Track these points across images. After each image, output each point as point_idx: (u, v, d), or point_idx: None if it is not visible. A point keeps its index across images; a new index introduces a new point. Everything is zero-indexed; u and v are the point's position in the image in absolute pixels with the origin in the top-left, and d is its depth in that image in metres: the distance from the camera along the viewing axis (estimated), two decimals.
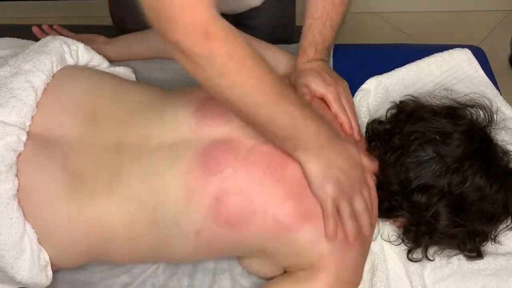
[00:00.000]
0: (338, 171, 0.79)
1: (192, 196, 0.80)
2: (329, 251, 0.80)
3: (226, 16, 1.09)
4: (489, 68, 1.18)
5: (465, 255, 0.90)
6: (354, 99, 1.08)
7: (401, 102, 0.95)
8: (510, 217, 0.90)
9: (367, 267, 0.91)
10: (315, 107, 0.88)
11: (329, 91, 0.92)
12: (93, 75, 0.94)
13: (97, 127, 0.85)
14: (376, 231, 0.94)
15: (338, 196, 0.79)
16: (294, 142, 0.78)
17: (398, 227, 0.92)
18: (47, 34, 1.18)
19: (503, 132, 0.97)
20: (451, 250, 0.90)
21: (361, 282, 0.90)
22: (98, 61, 1.01)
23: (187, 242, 0.82)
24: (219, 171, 0.80)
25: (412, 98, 0.95)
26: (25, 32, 1.16)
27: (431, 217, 0.83)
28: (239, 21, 1.19)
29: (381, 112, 1.03)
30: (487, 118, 0.91)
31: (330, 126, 0.82)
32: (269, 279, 0.89)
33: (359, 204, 0.81)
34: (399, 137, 0.88)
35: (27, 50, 0.91)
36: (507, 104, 1.09)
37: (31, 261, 0.80)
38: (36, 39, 1.15)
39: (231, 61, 0.68)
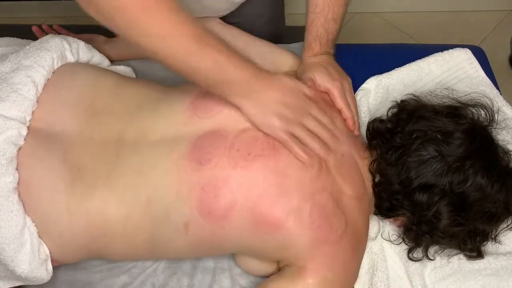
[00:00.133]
0: (275, 104, 0.81)
1: (181, 188, 0.80)
2: (311, 243, 0.80)
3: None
4: (489, 68, 1.18)
5: (466, 255, 0.90)
6: None
7: (402, 101, 0.95)
8: (511, 216, 0.90)
9: (366, 266, 0.91)
10: (319, 101, 0.90)
11: (335, 86, 0.93)
12: (93, 71, 0.95)
13: (96, 121, 0.86)
14: (376, 230, 0.94)
15: (287, 125, 0.81)
16: (225, 88, 0.80)
17: (399, 226, 0.92)
18: (47, 34, 1.18)
19: (503, 131, 0.98)
20: (451, 250, 0.90)
21: (361, 283, 0.90)
22: (98, 60, 1.02)
23: (178, 235, 0.82)
24: (207, 160, 0.80)
25: (414, 97, 0.95)
26: (25, 32, 1.17)
27: (432, 216, 0.83)
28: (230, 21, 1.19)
29: (382, 111, 1.02)
30: (488, 117, 0.91)
31: (256, 65, 0.84)
32: (266, 277, 0.89)
33: (310, 124, 0.83)
34: (400, 136, 0.88)
35: (28, 47, 0.92)
36: (507, 104, 1.09)
37: (31, 255, 0.80)
38: (36, 39, 1.15)
39: (146, 12, 0.71)
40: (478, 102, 0.92)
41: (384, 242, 0.94)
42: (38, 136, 0.83)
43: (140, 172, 0.82)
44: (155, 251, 0.87)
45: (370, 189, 0.90)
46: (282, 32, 1.29)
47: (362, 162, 0.90)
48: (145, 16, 0.71)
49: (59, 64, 0.92)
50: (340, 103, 0.92)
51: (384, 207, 0.89)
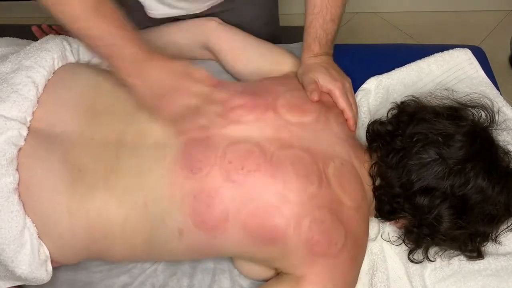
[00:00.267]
0: (164, 83, 0.82)
1: (174, 194, 0.80)
2: (309, 257, 0.80)
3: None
4: (489, 68, 1.18)
5: (466, 255, 0.90)
6: None
7: (402, 102, 0.95)
8: (511, 217, 0.90)
9: (366, 267, 0.91)
10: (325, 102, 0.90)
11: (337, 87, 0.94)
12: (93, 72, 0.95)
13: (97, 122, 0.86)
14: (376, 231, 0.94)
15: (176, 104, 0.83)
16: (115, 62, 0.82)
17: (399, 228, 0.92)
18: (46, 34, 1.18)
19: (504, 132, 0.97)
20: (452, 251, 0.90)
21: (361, 284, 0.90)
22: (98, 60, 1.01)
23: (173, 239, 0.82)
24: (199, 169, 0.80)
25: (413, 98, 0.95)
26: (25, 32, 1.17)
27: (433, 219, 0.83)
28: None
29: (382, 112, 1.02)
30: (488, 118, 0.91)
31: (148, 46, 0.84)
32: (263, 280, 0.90)
33: (198, 100, 0.84)
34: (401, 138, 0.87)
35: (28, 47, 0.92)
36: (507, 104, 1.09)
37: (31, 255, 0.80)
38: (36, 39, 1.15)
39: None
40: (478, 103, 0.92)
41: (384, 243, 0.94)
42: (38, 136, 0.83)
43: (138, 174, 0.82)
44: (153, 253, 0.87)
45: (370, 194, 0.89)
46: (279, 33, 1.29)
47: (362, 166, 0.89)
48: None
49: (60, 65, 0.92)
50: (342, 103, 0.93)
51: (385, 210, 0.89)
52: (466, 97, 0.94)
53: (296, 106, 0.88)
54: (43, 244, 0.82)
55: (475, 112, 0.90)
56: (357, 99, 1.09)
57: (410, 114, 0.90)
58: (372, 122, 0.96)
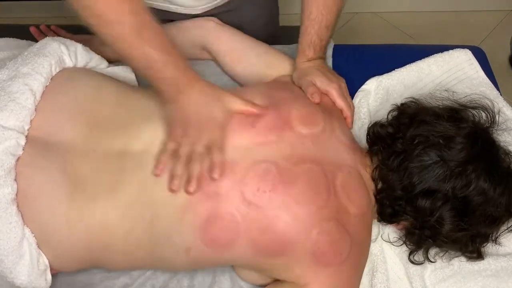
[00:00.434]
0: (189, 117, 0.82)
1: (185, 214, 0.80)
2: (314, 267, 0.81)
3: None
4: (489, 68, 1.18)
5: (466, 256, 0.90)
6: (354, 100, 1.09)
7: (402, 104, 0.95)
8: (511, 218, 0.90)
9: (366, 268, 0.91)
10: (324, 104, 0.91)
11: (333, 88, 0.95)
12: (92, 78, 0.94)
13: (99, 133, 0.85)
14: (376, 232, 0.94)
15: (181, 138, 0.81)
16: (154, 83, 0.81)
17: (400, 229, 0.92)
18: (44, 35, 1.17)
19: (505, 133, 0.97)
20: (452, 252, 0.90)
21: (361, 284, 0.90)
22: (96, 62, 1.01)
23: (179, 256, 0.82)
24: (214, 191, 0.80)
25: (413, 100, 0.95)
26: (25, 32, 1.16)
27: (435, 221, 0.83)
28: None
29: (382, 112, 1.02)
30: (489, 119, 0.90)
31: (191, 71, 0.83)
32: (262, 285, 0.90)
33: (196, 150, 0.81)
34: (402, 141, 0.87)
35: (26, 53, 0.90)
36: (507, 104, 1.09)
37: (30, 266, 0.80)
38: (35, 40, 1.15)
39: None
40: (479, 104, 0.92)
41: (384, 244, 0.94)
42: (36, 144, 0.82)
43: (145, 189, 0.81)
44: (155, 265, 0.88)
45: (373, 198, 0.89)
46: (279, 33, 1.29)
47: (365, 171, 0.90)
48: None
49: (57, 70, 0.91)
50: (340, 102, 0.95)
51: (387, 213, 0.88)
52: (466, 98, 0.94)
53: (306, 117, 0.87)
54: (42, 254, 0.82)
55: (476, 113, 0.90)
56: (357, 100, 1.09)
57: (410, 116, 0.90)
58: (372, 125, 0.95)
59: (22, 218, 0.79)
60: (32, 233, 0.80)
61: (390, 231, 0.94)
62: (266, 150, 0.83)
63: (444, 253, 0.90)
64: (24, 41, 1.13)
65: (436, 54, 1.14)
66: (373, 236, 0.93)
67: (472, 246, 0.88)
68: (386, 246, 0.94)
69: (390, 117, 0.95)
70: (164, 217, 0.80)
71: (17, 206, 0.79)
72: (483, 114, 0.90)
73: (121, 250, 0.82)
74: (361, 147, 0.95)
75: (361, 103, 1.08)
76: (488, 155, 0.86)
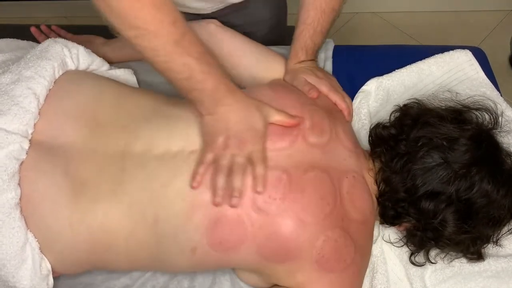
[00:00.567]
0: (229, 127, 0.80)
1: (193, 213, 0.79)
2: (317, 273, 0.81)
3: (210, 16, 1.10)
4: (489, 69, 1.18)
5: (467, 257, 0.90)
6: (354, 100, 1.09)
7: (404, 105, 0.95)
8: None
9: (367, 270, 0.91)
10: (325, 105, 0.91)
11: (323, 84, 0.96)
12: (95, 81, 0.94)
13: (100, 134, 0.84)
14: (376, 233, 0.94)
15: (220, 149, 0.79)
16: (191, 94, 0.79)
17: (402, 231, 0.92)
18: (45, 35, 1.17)
19: (508, 135, 0.96)
20: (453, 253, 0.90)
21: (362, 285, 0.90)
22: (98, 64, 1.00)
23: (183, 256, 0.82)
24: (226, 193, 0.79)
25: (416, 100, 0.94)
26: (25, 32, 1.16)
27: (438, 223, 0.83)
28: (228, 23, 1.19)
29: (382, 113, 1.02)
30: (492, 121, 0.90)
31: (229, 81, 0.81)
32: None
33: (238, 162, 0.79)
34: (405, 143, 0.87)
35: (28, 56, 0.90)
36: (507, 105, 1.09)
37: (33, 270, 0.79)
38: (36, 40, 1.15)
39: (132, 3, 0.70)
40: (481, 105, 0.92)
41: (384, 245, 0.94)
42: (40, 148, 0.82)
43: (147, 188, 0.81)
44: (157, 266, 0.87)
45: (375, 202, 0.89)
46: (285, 33, 1.30)
47: (368, 175, 0.90)
48: (130, 8, 0.71)
49: (60, 73, 0.91)
50: (333, 96, 0.95)
51: (389, 215, 0.88)
52: (469, 99, 0.94)
53: (316, 125, 0.87)
54: (45, 259, 0.82)
55: (479, 115, 0.90)
56: (357, 100, 1.09)
57: (413, 117, 0.90)
58: (374, 126, 0.95)
59: (25, 223, 0.79)
60: (35, 237, 0.80)
61: (390, 232, 0.94)
62: (278, 157, 0.83)
63: (445, 255, 0.90)
64: (25, 41, 1.12)
65: (436, 55, 1.14)
66: (373, 237, 0.93)
67: (473, 247, 0.88)
68: (386, 247, 0.94)
69: (392, 118, 0.94)
70: (170, 216, 0.80)
71: (21, 210, 0.78)
72: (486, 116, 0.90)
73: (124, 251, 0.82)
74: (363, 149, 0.95)
75: (361, 104, 1.08)
76: (492, 157, 0.86)
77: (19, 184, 0.78)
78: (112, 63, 1.07)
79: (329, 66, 1.15)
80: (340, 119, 0.94)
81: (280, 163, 0.82)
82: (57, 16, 2.16)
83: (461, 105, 0.92)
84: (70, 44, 0.96)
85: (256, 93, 0.90)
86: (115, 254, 0.83)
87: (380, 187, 0.89)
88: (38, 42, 0.98)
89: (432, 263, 0.90)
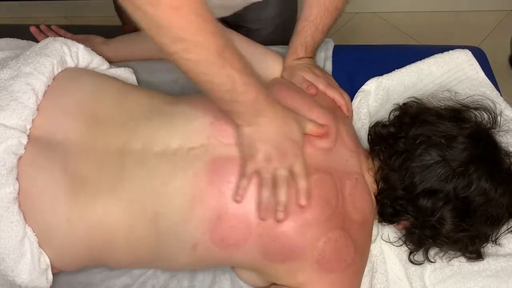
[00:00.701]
0: (269, 139, 0.79)
1: (194, 209, 0.79)
2: (318, 273, 0.81)
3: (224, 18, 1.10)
4: (489, 69, 1.18)
5: (466, 257, 0.90)
6: (354, 100, 1.09)
7: (404, 104, 0.95)
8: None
9: (366, 269, 0.91)
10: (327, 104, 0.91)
11: (320, 81, 0.96)
12: (94, 78, 0.94)
13: (99, 130, 0.85)
14: (375, 232, 0.94)
15: (262, 162, 0.78)
16: (231, 106, 0.77)
17: (400, 229, 0.92)
18: (45, 35, 1.17)
19: (506, 134, 0.97)
20: (452, 252, 0.90)
21: (361, 285, 0.90)
22: (98, 63, 1.01)
23: (184, 253, 0.82)
24: (228, 189, 0.79)
25: (415, 99, 0.95)
26: (25, 32, 1.16)
27: (436, 221, 0.83)
28: (240, 23, 1.19)
29: (382, 113, 1.02)
30: (491, 120, 0.90)
31: (268, 92, 0.80)
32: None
33: (281, 175, 0.79)
34: (404, 141, 0.87)
35: (28, 52, 0.90)
36: (508, 105, 1.09)
37: (31, 265, 0.80)
38: (36, 40, 1.15)
39: (176, 14, 0.67)
40: (480, 104, 0.92)
41: (383, 244, 0.94)
42: (38, 144, 0.82)
43: (147, 185, 0.81)
44: (157, 262, 0.87)
45: (374, 201, 0.90)
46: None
47: (368, 174, 0.90)
48: (173, 17, 0.67)
49: (59, 70, 0.91)
50: (330, 92, 0.96)
51: (387, 213, 0.89)
52: (468, 99, 0.94)
53: (321, 130, 0.87)
54: (44, 253, 0.82)
55: (478, 114, 0.90)
56: (357, 100, 1.09)
57: (412, 116, 0.90)
58: (374, 125, 0.96)
59: (24, 217, 0.79)
60: (34, 232, 0.80)
61: (390, 231, 0.94)
62: None
63: (444, 253, 0.90)
64: (25, 41, 1.13)
65: (436, 55, 1.14)
66: (372, 237, 0.93)
67: (472, 246, 0.88)
68: (385, 247, 0.94)
69: (392, 116, 0.95)
70: (170, 213, 0.80)
71: (19, 205, 0.79)
72: (485, 115, 0.90)
73: (123, 248, 0.83)
74: (363, 149, 0.95)
75: (361, 104, 1.08)
76: (490, 155, 0.86)
77: (17, 178, 0.78)
78: (111, 62, 1.07)
79: (329, 66, 1.15)
80: (342, 118, 0.94)
81: None
82: (57, 16, 2.16)
83: (460, 104, 0.93)
84: (70, 42, 0.96)
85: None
86: (115, 250, 0.83)
87: (379, 185, 0.89)
88: (38, 41, 0.98)
89: (431, 262, 0.90)
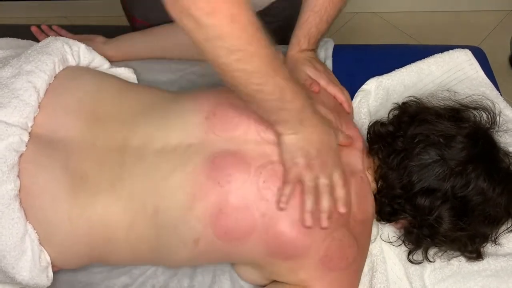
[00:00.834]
0: (312, 148, 0.79)
1: (195, 203, 0.79)
2: (319, 271, 0.82)
3: None
4: (489, 68, 1.18)
5: (465, 256, 0.91)
6: (354, 100, 1.09)
7: (403, 103, 0.95)
8: (511, 219, 0.90)
9: (366, 268, 0.91)
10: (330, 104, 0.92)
11: (321, 77, 0.96)
12: (95, 77, 0.94)
13: (99, 128, 0.85)
14: (374, 232, 0.94)
15: (304, 170, 0.79)
16: (277, 114, 0.77)
17: (399, 228, 0.92)
18: (46, 34, 1.18)
19: (505, 134, 0.97)
20: (451, 252, 0.90)
21: (361, 284, 0.90)
22: (99, 62, 1.01)
23: (185, 248, 0.82)
24: (227, 182, 0.79)
25: (415, 99, 0.95)
26: (25, 32, 1.16)
27: (434, 220, 0.84)
28: None
29: (382, 113, 1.02)
30: (490, 120, 0.91)
31: (315, 105, 0.81)
32: (261, 286, 0.90)
33: (323, 183, 0.79)
34: (402, 140, 0.87)
35: (29, 51, 0.91)
36: (508, 105, 1.09)
37: (32, 262, 0.80)
38: (36, 39, 1.15)
39: (233, 24, 0.64)
40: (480, 104, 0.92)
41: (383, 244, 0.94)
42: (39, 142, 0.82)
43: (147, 181, 0.81)
44: (158, 259, 0.87)
45: (374, 199, 0.90)
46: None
47: (368, 173, 0.90)
48: (230, 26, 0.64)
49: (61, 68, 0.91)
50: (332, 89, 0.96)
51: (386, 212, 0.89)
52: (468, 99, 0.94)
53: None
54: (44, 251, 0.82)
55: (477, 114, 0.90)
56: (357, 100, 1.09)
57: (411, 115, 0.90)
58: (373, 124, 0.96)
59: (25, 215, 0.79)
60: (34, 229, 0.80)
61: (389, 231, 0.95)
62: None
63: (443, 253, 0.90)
64: (25, 41, 1.13)
65: (436, 55, 1.15)
66: (372, 236, 0.93)
67: (471, 246, 0.88)
68: (385, 247, 0.94)
69: (391, 115, 0.95)
70: (170, 208, 0.80)
71: (20, 202, 0.79)
72: (484, 115, 0.91)
73: (124, 245, 0.83)
74: (365, 148, 0.95)
75: (361, 103, 1.08)
76: (488, 155, 0.86)
77: (18, 176, 0.79)
78: (112, 62, 1.07)
79: (329, 65, 1.15)
80: (344, 116, 0.94)
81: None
82: (57, 16, 2.16)
83: (459, 104, 0.93)
84: (71, 41, 0.97)
85: None
86: (115, 247, 0.83)
87: (378, 184, 0.89)
88: (39, 41, 0.98)
89: (430, 261, 0.90)
